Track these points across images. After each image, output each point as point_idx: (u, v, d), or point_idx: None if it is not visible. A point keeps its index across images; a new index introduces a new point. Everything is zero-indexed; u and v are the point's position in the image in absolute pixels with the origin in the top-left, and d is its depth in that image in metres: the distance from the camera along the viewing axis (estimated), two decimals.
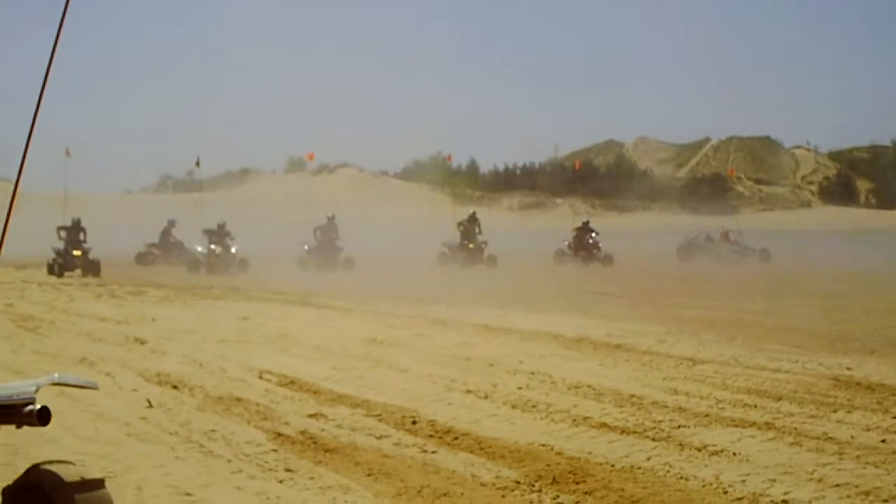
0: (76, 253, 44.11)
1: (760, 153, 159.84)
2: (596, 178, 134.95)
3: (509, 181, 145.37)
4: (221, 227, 48.80)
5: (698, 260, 55.69)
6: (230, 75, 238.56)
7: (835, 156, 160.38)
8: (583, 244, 54.71)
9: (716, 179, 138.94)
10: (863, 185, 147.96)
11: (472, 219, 53.03)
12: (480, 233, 52.46)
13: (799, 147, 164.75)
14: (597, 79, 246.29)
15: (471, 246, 51.58)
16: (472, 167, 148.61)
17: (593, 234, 54.85)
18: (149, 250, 54.41)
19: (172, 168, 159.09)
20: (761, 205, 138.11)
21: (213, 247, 48.01)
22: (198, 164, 60.76)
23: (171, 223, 55.80)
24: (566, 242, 55.33)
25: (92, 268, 42.95)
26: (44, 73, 5.45)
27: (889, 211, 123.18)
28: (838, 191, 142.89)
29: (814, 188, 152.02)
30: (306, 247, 48.66)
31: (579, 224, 56.38)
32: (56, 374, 6.11)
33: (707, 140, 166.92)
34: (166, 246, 54.70)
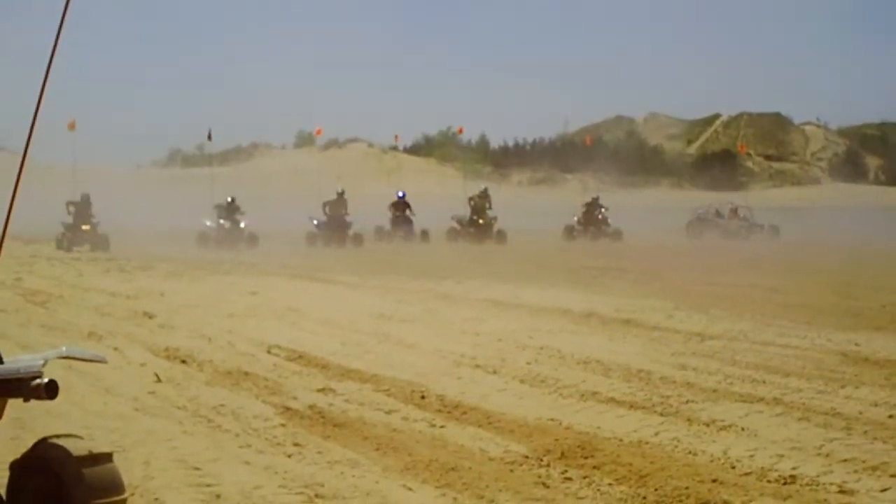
0: (85, 227, 44.00)
1: (770, 129, 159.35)
2: (606, 153, 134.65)
3: (519, 156, 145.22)
4: (231, 202, 48.58)
5: (707, 236, 55.36)
6: (240, 49, 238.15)
7: (845, 132, 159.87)
8: (592, 219, 54.59)
9: (725, 155, 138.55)
10: (872, 162, 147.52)
11: (484, 194, 53.10)
12: (490, 208, 52.47)
13: (809, 123, 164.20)
14: (607, 54, 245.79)
15: (480, 221, 51.62)
16: (482, 142, 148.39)
17: (602, 210, 54.90)
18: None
19: (182, 142, 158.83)
20: (771, 181, 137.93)
21: (222, 221, 47.85)
22: (209, 137, 60.43)
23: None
24: (575, 218, 55.09)
25: (101, 242, 42.87)
26: (52, 45, 5.44)
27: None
28: (848, 167, 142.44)
29: (823, 165, 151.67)
30: (315, 221, 48.62)
31: (588, 199, 56.23)
32: (64, 348, 6.10)
33: (717, 116, 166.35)
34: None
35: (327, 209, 49.21)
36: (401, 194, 54.22)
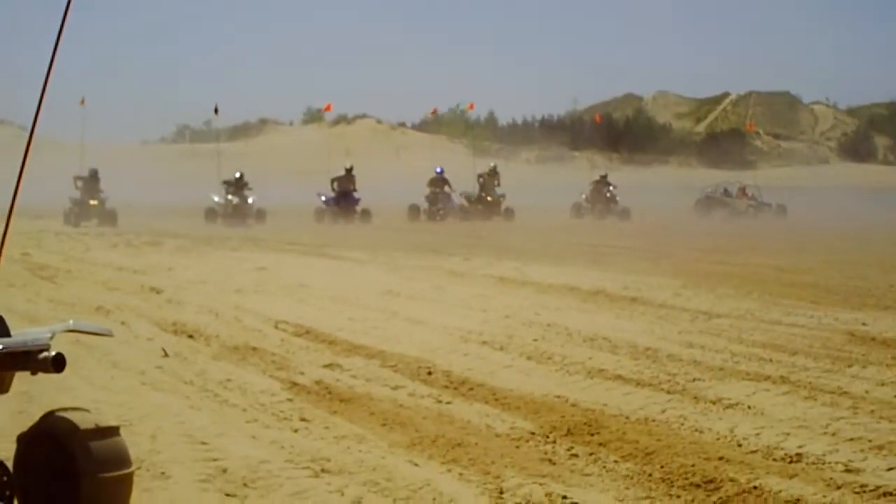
0: (93, 202, 44.08)
1: (779, 108, 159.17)
2: (614, 131, 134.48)
3: (528, 134, 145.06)
4: (240, 177, 49.00)
5: (715, 215, 55.11)
6: (249, 25, 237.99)
7: (854, 112, 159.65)
8: (600, 197, 54.45)
9: (734, 134, 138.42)
10: (881, 142, 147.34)
11: (493, 172, 53.19)
12: (499, 185, 52.53)
13: (818, 103, 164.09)
14: (617, 32, 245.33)
15: (489, 199, 51.64)
16: (491, 119, 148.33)
17: (611, 188, 54.88)
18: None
19: (190, 118, 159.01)
20: (779, 160, 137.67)
21: (230, 197, 48.03)
22: (216, 111, 60.29)
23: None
24: (583, 196, 55.10)
25: (108, 217, 42.97)
26: (60, 20, 5.44)
27: None
28: (856, 147, 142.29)
29: (832, 144, 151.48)
30: (323, 197, 48.61)
31: (597, 177, 56.18)
32: (71, 321, 6.12)
33: (726, 95, 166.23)
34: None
35: (335, 185, 49.13)
36: (439, 170, 53.67)
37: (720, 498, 7.46)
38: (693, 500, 7.43)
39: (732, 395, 10.60)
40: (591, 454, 8.52)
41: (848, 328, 14.89)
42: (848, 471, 8.13)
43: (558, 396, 10.62)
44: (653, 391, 10.90)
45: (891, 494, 7.50)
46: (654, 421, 9.67)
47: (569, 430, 9.21)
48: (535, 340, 13.84)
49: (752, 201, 57.29)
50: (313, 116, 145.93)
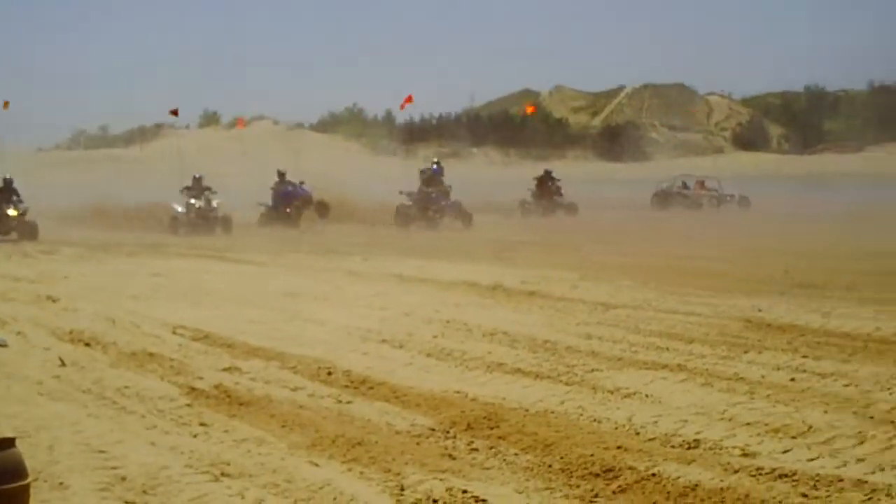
0: (11, 213, 39.30)
1: (674, 100, 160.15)
2: (511, 127, 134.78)
3: (425, 132, 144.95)
4: (199, 179, 43.83)
5: (674, 209, 53.10)
6: (142, 29, 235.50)
7: (748, 102, 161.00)
8: (546, 193, 52.13)
9: (630, 127, 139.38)
10: (775, 131, 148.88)
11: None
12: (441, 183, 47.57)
13: (713, 94, 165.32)
14: (512, 28, 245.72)
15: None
16: (388, 118, 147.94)
17: (555, 182, 52.58)
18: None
19: (86, 123, 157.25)
20: (675, 151, 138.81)
21: (192, 201, 42.29)
22: (175, 113, 58.66)
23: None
24: (529, 190, 52.52)
25: (28, 230, 38.67)
26: None
27: (799, 156, 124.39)
28: (751, 136, 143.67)
29: (727, 134, 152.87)
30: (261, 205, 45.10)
31: (541, 173, 53.74)
32: None
33: (622, 88, 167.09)
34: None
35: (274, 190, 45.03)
36: (436, 168, 46.33)
37: (619, 486, 7.54)
38: (592, 490, 7.50)
39: (630, 385, 10.71)
40: (491, 448, 8.57)
41: (744, 315, 15.09)
42: (745, 455, 8.26)
43: (458, 392, 10.66)
44: (552, 383, 10.98)
45: (787, 476, 7.62)
46: (553, 412, 9.74)
47: (469, 424, 9.26)
48: (435, 337, 13.87)
49: (714, 193, 55.67)
50: (209, 119, 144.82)
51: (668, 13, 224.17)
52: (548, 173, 53.06)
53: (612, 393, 10.44)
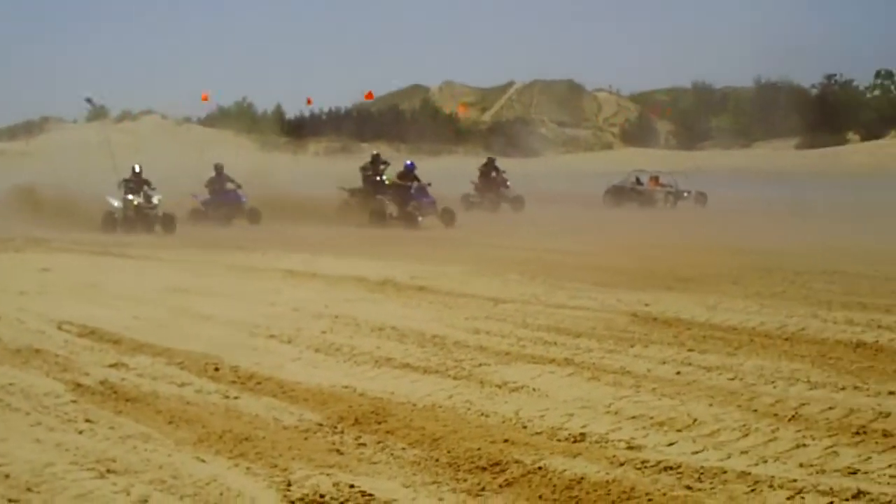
0: None
1: (564, 96, 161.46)
2: (402, 122, 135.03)
3: (315, 126, 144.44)
4: (138, 172, 38.78)
5: (627, 205, 50.67)
6: (25, 19, 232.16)
7: (636, 98, 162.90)
8: (491, 185, 47.96)
9: (519, 122, 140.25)
10: (663, 127, 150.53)
11: (377, 160, 43.60)
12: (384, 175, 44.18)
13: (601, 90, 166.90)
14: (403, 23, 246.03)
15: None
16: (278, 113, 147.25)
17: (500, 173, 48.31)
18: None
19: None
20: (564, 147, 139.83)
21: (129, 197, 37.49)
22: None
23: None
24: (472, 183, 48.36)
25: None
26: None
27: (687, 152, 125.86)
28: (639, 132, 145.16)
29: (615, 130, 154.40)
30: (199, 198, 41.14)
31: (484, 161, 50.02)
32: None
33: (511, 84, 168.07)
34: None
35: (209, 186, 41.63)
36: (409, 164, 41.82)
37: (506, 480, 7.59)
38: (479, 484, 7.54)
39: (518, 379, 10.78)
40: (378, 442, 8.59)
41: (631, 309, 15.24)
42: (630, 448, 8.36)
43: (346, 387, 10.66)
44: (440, 378, 11.02)
45: (671, 469, 7.73)
46: (440, 407, 9.78)
47: (356, 419, 9.27)
48: (324, 332, 13.85)
49: (667, 189, 52.92)
50: (97, 113, 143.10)
51: (556, 9, 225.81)
52: (491, 161, 49.92)
53: (499, 387, 10.50)
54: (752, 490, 7.30)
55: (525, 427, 9.01)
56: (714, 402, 9.72)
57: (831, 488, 7.26)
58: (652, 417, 9.22)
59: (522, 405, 9.73)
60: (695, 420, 9.10)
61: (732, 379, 10.71)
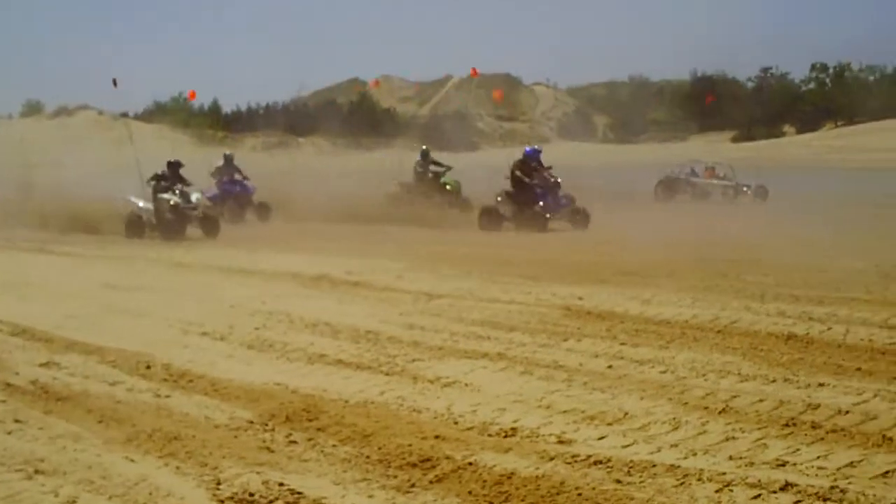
0: None
1: (502, 90, 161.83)
2: (339, 116, 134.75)
3: (252, 121, 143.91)
4: (175, 166, 31.90)
5: (680, 198, 47.55)
6: None
7: (573, 92, 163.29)
8: (423, 178, 39.31)
9: (457, 116, 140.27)
10: (600, 121, 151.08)
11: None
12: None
13: (539, 84, 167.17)
14: (339, 17, 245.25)
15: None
16: (215, 107, 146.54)
17: (437, 166, 39.72)
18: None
19: None
20: (501, 141, 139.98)
21: (165, 196, 30.64)
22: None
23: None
24: (396, 183, 39.71)
25: None
26: None
27: (624, 145, 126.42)
28: (576, 126, 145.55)
29: (552, 124, 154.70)
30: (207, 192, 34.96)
31: (418, 156, 40.71)
32: None
33: (449, 78, 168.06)
34: None
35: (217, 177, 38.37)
36: (530, 150, 33.50)
37: (436, 476, 7.61)
38: (409, 480, 7.55)
39: (451, 374, 10.81)
40: (309, 440, 8.58)
41: (565, 303, 15.28)
42: (561, 442, 8.39)
43: (278, 384, 10.64)
44: (373, 374, 11.02)
45: (601, 463, 7.77)
46: (373, 403, 9.78)
47: (288, 416, 9.26)
48: (257, 329, 13.81)
49: (725, 181, 48.86)
50: (32, 108, 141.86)
51: (494, 2, 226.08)
52: (425, 154, 40.56)
53: (432, 382, 10.52)
54: (681, 483, 7.35)
55: (457, 422, 9.03)
56: (645, 395, 9.79)
57: (759, 480, 7.32)
58: (583, 411, 9.27)
59: (455, 400, 9.76)
60: (626, 414, 9.16)
61: (664, 372, 10.78)
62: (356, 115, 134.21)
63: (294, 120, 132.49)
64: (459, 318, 14.30)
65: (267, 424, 9.08)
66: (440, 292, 16.69)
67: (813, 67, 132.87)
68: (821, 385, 10.08)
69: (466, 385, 10.37)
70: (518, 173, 31.87)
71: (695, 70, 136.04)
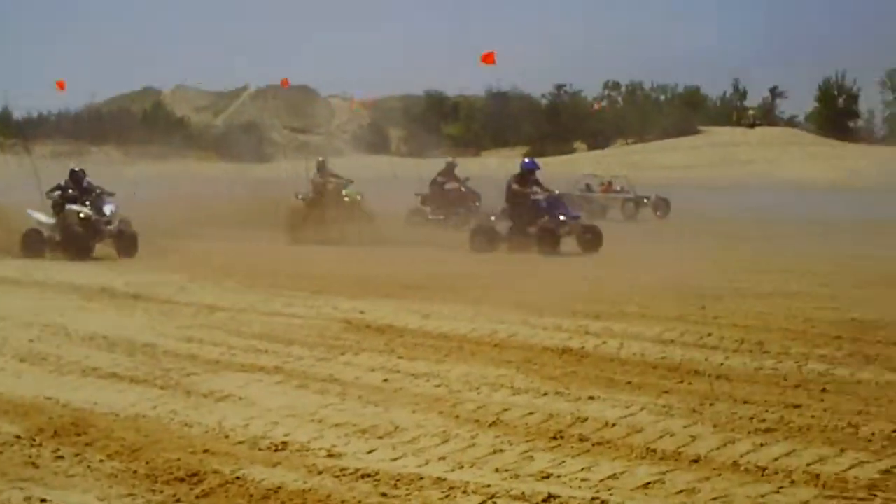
0: None
1: (297, 102, 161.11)
2: (132, 125, 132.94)
3: (43, 128, 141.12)
4: (78, 174, 27.74)
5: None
6: None
7: (369, 105, 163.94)
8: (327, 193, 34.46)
9: (252, 127, 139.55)
10: (395, 134, 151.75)
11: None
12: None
13: (335, 96, 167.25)
14: (134, 25, 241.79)
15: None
16: (5, 113, 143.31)
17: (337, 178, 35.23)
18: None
19: None
20: (296, 153, 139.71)
21: (73, 207, 26.57)
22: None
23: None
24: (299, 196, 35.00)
25: None
26: None
27: (417, 159, 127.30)
28: (371, 139, 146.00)
29: (347, 136, 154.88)
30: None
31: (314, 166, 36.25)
32: None
33: (245, 88, 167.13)
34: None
35: None
36: (528, 162, 29.96)
37: (203, 490, 7.58)
38: (175, 495, 7.51)
39: (225, 388, 10.78)
40: (76, 455, 8.46)
41: (346, 316, 15.34)
42: (330, 455, 8.44)
43: (49, 398, 10.47)
44: (146, 387, 10.93)
45: (369, 476, 7.82)
46: (144, 417, 9.70)
47: (56, 431, 9.12)
48: (31, 341, 13.57)
49: (623, 195, 47.22)
50: None
51: (293, 14, 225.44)
52: (321, 163, 35.79)
53: (206, 396, 10.47)
54: (447, 496, 7.44)
55: (227, 437, 9.01)
56: (418, 408, 9.88)
57: (523, 493, 7.44)
58: (355, 425, 9.32)
59: (227, 414, 9.73)
60: (397, 427, 9.24)
61: (438, 386, 10.90)
62: (149, 124, 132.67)
63: (86, 128, 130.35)
64: (238, 331, 14.25)
65: (34, 439, 8.91)
66: (222, 305, 16.61)
67: (605, 85, 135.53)
68: (591, 398, 10.29)
69: (240, 399, 10.36)
70: (516, 186, 28.33)
71: (490, 86, 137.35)
